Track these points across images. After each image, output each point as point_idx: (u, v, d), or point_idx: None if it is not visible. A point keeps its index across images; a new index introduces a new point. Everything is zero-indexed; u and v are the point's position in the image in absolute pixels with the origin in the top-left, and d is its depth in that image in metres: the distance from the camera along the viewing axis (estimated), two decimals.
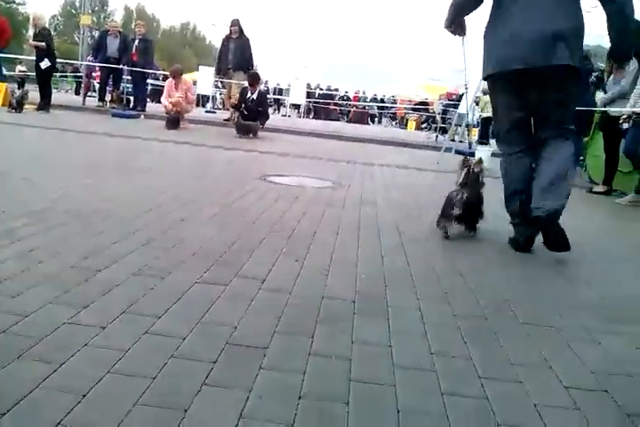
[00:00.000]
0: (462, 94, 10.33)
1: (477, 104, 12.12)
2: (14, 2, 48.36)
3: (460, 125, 9.84)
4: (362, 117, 24.01)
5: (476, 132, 12.37)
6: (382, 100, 24.91)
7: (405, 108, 23.66)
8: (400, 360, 1.44)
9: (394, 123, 25.48)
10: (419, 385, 1.33)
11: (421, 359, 1.46)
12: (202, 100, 20.72)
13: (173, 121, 8.84)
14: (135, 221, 2.61)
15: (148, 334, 1.46)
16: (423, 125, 21.51)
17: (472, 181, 2.85)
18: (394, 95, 25.69)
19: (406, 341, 1.57)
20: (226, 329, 1.53)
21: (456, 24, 3.03)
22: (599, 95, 6.16)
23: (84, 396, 1.14)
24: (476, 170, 2.87)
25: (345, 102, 24.33)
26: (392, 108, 25.08)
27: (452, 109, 15.93)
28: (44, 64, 9.84)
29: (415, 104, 23.07)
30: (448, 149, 8.14)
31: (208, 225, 2.67)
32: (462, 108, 8.60)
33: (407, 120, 23.26)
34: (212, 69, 12.99)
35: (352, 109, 24.43)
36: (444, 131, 14.94)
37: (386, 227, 3.01)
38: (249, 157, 6.02)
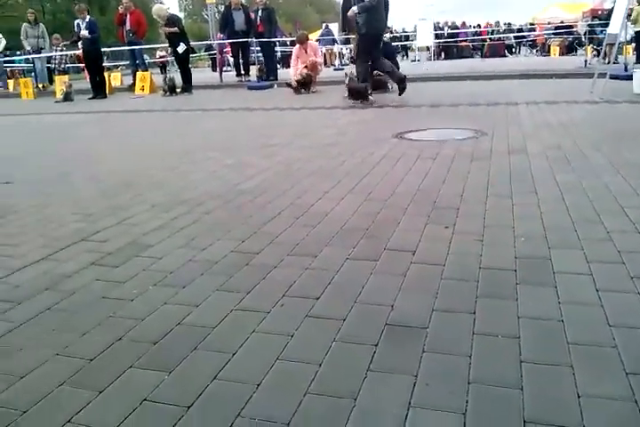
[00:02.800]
0: (612, 8, 9.05)
1: (629, 17, 10.55)
2: None
3: (613, 45, 8.67)
4: (497, 50, 22.17)
5: (630, 51, 10.86)
6: (520, 30, 22.73)
7: (545, 33, 21.39)
8: (575, 336, 1.32)
9: (534, 51, 23.20)
10: (599, 365, 1.21)
11: (599, 334, 1.33)
12: (330, 58, 20.66)
13: (303, 85, 8.90)
14: (280, 199, 2.68)
15: (310, 318, 1.50)
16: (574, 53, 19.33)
17: None
18: (530, 21, 23.34)
19: (579, 313, 1.44)
20: (383, 309, 1.52)
21: None
22: None
23: (258, 385, 1.20)
24: None
25: (477, 37, 22.63)
26: (529, 35, 22.84)
27: (599, 29, 14.11)
28: (181, 48, 10.40)
29: (556, 27, 20.75)
30: (602, 75, 7.24)
31: (350, 196, 2.66)
32: (614, 26, 7.51)
33: (549, 46, 21.00)
34: (336, 25, 12.82)
35: (486, 43, 22.66)
36: (597, 53, 13.32)
37: (541, 178, 2.77)
38: (383, 113, 5.90)
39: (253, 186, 2.97)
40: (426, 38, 15.77)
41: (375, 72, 7.77)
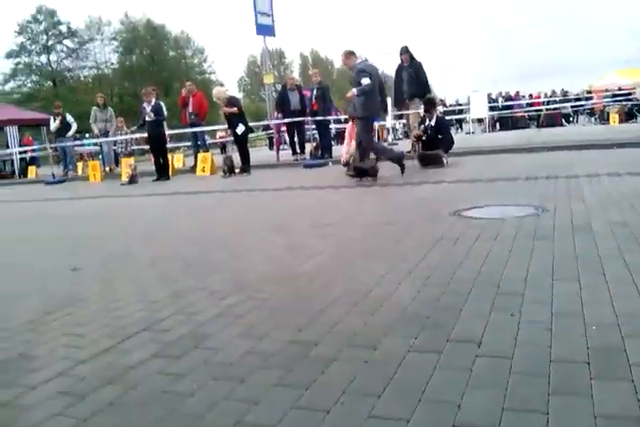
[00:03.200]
0: None
1: None
2: (206, 72, 55.10)
3: None
4: (554, 120, 22.03)
5: None
6: (578, 99, 22.61)
7: (604, 100, 21.11)
8: None
9: (593, 119, 22.90)
10: None
11: None
12: (383, 133, 21.20)
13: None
14: (336, 283, 2.67)
15: (372, 418, 1.44)
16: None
17: None
18: (587, 89, 23.25)
19: None
20: (449, 408, 1.45)
21: None
22: None
23: None
24: None
25: (531, 108, 22.67)
26: (586, 103, 22.69)
27: None
28: (240, 129, 10.88)
29: (613, 95, 20.56)
30: None
31: (408, 280, 2.62)
32: None
33: (608, 114, 20.68)
34: (388, 100, 13.24)
35: (542, 113, 22.61)
36: None
37: (608, 258, 2.66)
38: (438, 189, 5.91)
39: (309, 269, 2.98)
40: (480, 110, 15.97)
41: (436, 152, 7.95)
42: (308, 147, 12.61)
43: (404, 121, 13.95)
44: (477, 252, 3.01)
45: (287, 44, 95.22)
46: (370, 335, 1.99)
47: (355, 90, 7.39)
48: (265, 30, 13.82)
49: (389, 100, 12.06)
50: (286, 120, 12.46)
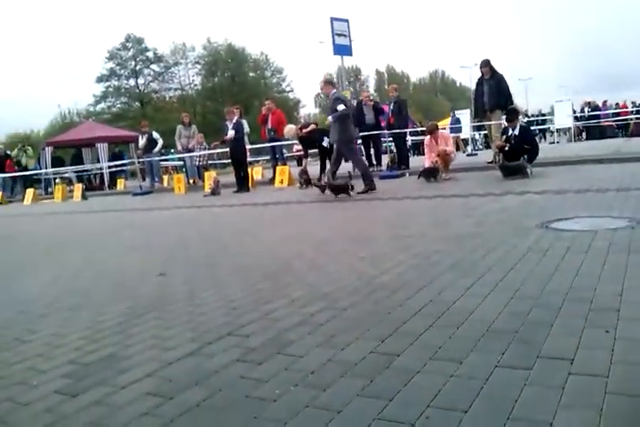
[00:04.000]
0: None
1: None
2: (285, 91, 56.67)
3: None
4: None
5: None
6: None
7: None
8: None
9: None
10: None
11: None
12: (461, 144, 20.79)
13: (430, 174, 8.96)
14: (418, 296, 2.61)
15: None
16: None
17: None
18: None
19: None
20: None
21: None
22: None
23: None
24: None
25: (620, 117, 21.50)
26: None
27: None
28: (326, 142, 11.00)
29: None
30: None
31: (494, 293, 2.52)
32: None
33: None
34: (467, 112, 13.10)
35: (631, 122, 21.40)
36: None
37: None
38: (523, 200, 5.69)
39: (390, 280, 2.94)
40: (564, 119, 15.38)
41: (519, 162, 7.83)
42: (384, 159, 12.63)
43: (485, 132, 13.72)
44: (568, 265, 2.86)
45: (363, 60, 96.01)
46: (455, 349, 1.92)
47: (330, 117, 8.41)
48: (342, 50, 14.05)
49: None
50: (362, 134, 12.62)
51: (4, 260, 5.27)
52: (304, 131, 11.05)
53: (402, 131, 12.36)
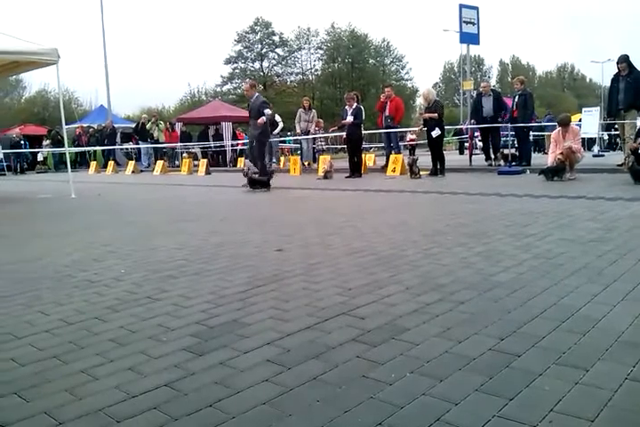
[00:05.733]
0: None
1: None
2: (403, 79, 55.95)
3: None
4: None
5: None
6: None
7: None
8: None
9: None
10: None
11: None
12: (587, 144, 19.45)
13: (555, 172, 8.49)
14: (540, 298, 2.50)
15: None
16: None
17: None
18: None
19: None
20: None
21: None
22: None
23: None
24: None
25: None
26: None
27: None
28: (435, 133, 10.90)
29: None
30: None
31: (625, 303, 2.36)
32: None
33: None
34: (596, 110, 12.24)
35: None
36: None
37: None
38: None
39: (509, 279, 2.85)
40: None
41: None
42: (505, 152, 12.14)
43: (617, 132, 12.74)
44: None
45: (486, 50, 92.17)
46: (580, 356, 1.83)
47: (264, 117, 9.46)
48: (469, 38, 13.65)
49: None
50: (480, 126, 12.22)
51: (143, 223, 5.72)
52: (425, 115, 11.09)
53: (526, 125, 11.76)
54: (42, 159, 24.59)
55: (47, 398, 1.69)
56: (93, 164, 20.59)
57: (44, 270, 3.52)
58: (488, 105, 12.10)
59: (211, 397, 1.64)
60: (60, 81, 9.52)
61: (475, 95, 12.58)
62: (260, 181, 9.19)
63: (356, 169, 11.62)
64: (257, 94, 10.03)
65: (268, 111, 9.58)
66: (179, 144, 20.16)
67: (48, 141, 23.66)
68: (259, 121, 9.50)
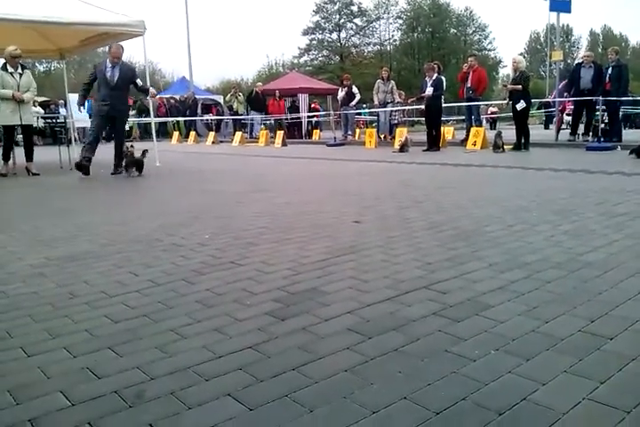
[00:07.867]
0: None
1: None
2: (486, 49, 53.44)
3: None
4: None
5: None
6: None
7: None
8: None
9: None
10: None
11: None
12: None
13: None
14: (634, 280, 2.37)
15: None
16: None
17: None
18: None
19: None
20: None
21: None
22: None
23: None
24: None
25: None
26: None
27: None
28: (520, 105, 10.41)
29: None
30: None
31: None
32: None
33: None
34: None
35: None
36: None
37: None
38: None
39: (600, 259, 2.71)
40: None
41: None
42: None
43: None
44: None
45: (576, 19, 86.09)
46: None
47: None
48: (560, 6, 12.71)
49: None
50: (575, 99, 11.48)
51: (223, 192, 5.89)
52: (510, 87, 10.66)
53: (619, 99, 10.95)
54: (127, 129, 25.67)
55: (139, 354, 1.78)
56: (176, 134, 21.24)
57: (134, 233, 3.71)
58: (587, 77, 11.26)
59: (294, 361, 1.68)
60: (146, 52, 9.80)
61: (574, 65, 11.74)
62: (133, 162, 7.98)
63: (434, 142, 11.35)
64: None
65: (140, 81, 8.42)
66: (258, 116, 20.37)
67: (134, 112, 24.61)
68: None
